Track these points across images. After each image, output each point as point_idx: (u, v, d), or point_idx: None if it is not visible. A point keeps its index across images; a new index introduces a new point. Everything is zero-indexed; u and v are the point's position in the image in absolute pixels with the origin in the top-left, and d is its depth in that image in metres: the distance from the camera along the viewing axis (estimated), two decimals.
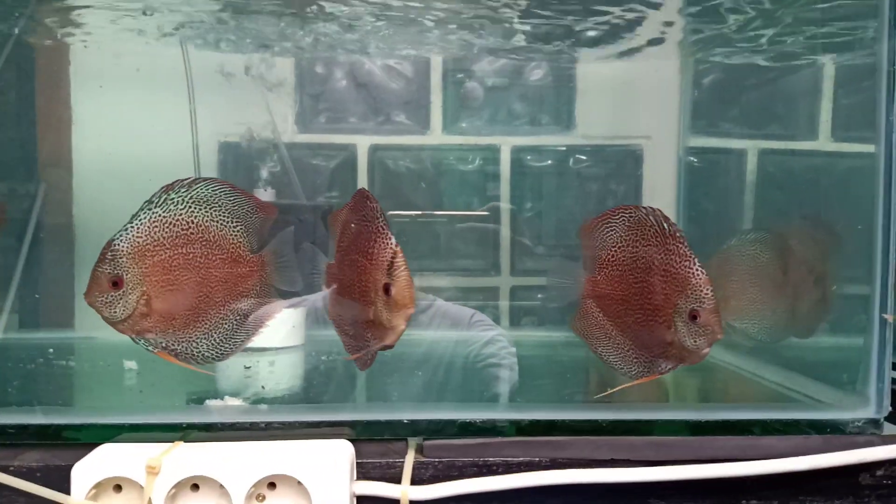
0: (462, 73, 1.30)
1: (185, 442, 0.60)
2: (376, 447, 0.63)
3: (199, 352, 0.70)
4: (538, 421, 0.66)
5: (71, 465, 0.58)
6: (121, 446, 0.59)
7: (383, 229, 0.65)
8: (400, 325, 0.64)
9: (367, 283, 0.66)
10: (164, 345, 0.68)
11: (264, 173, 1.08)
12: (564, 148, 1.34)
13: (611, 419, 0.67)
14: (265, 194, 1.04)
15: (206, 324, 0.69)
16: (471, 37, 1.20)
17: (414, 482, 0.61)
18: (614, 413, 0.70)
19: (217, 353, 0.70)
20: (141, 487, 0.56)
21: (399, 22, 1.12)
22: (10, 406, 0.69)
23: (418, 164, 1.31)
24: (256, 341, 0.81)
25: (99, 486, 0.56)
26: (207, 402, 0.68)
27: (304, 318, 0.96)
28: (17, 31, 1.09)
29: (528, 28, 1.15)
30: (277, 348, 0.91)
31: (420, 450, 0.63)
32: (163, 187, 0.65)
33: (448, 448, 0.63)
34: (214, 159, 1.28)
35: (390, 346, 0.66)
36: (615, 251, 0.72)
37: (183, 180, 0.66)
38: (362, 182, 1.29)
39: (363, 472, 0.61)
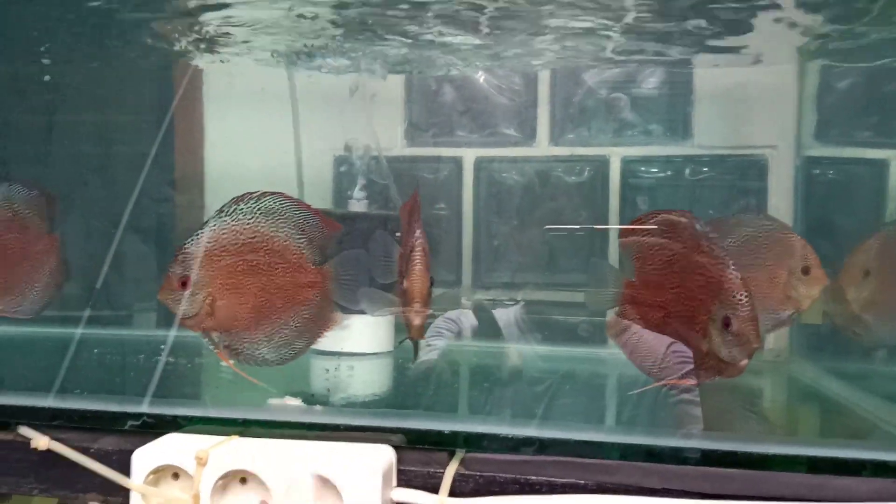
0: (571, 83, 1.28)
1: (242, 437, 0.63)
2: (420, 456, 0.63)
3: (260, 354, 0.74)
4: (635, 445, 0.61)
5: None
6: (184, 436, 0.63)
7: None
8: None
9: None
10: (226, 344, 0.73)
11: (359, 184, 1.12)
12: (680, 158, 1.27)
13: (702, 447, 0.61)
14: (357, 205, 1.08)
15: (266, 328, 0.73)
16: (580, 45, 1.18)
17: (454, 494, 0.60)
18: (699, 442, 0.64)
19: (276, 356, 0.74)
20: (191, 476, 0.60)
21: (508, 34, 1.12)
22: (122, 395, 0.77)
23: (524, 175, 1.30)
24: (346, 346, 0.84)
25: (158, 473, 0.61)
26: (269, 400, 0.71)
27: (391, 326, 0.98)
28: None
29: (639, 35, 1.11)
30: (362, 354, 0.94)
31: (462, 462, 0.62)
32: (234, 198, 0.70)
33: (490, 462, 0.61)
34: (331, 172, 1.35)
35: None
36: (650, 255, 0.67)
37: (253, 193, 0.70)
38: (468, 194, 1.30)
39: (405, 480, 0.61)
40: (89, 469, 0.65)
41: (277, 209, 0.70)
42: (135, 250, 1.26)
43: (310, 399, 0.72)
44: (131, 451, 0.64)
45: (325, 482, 0.59)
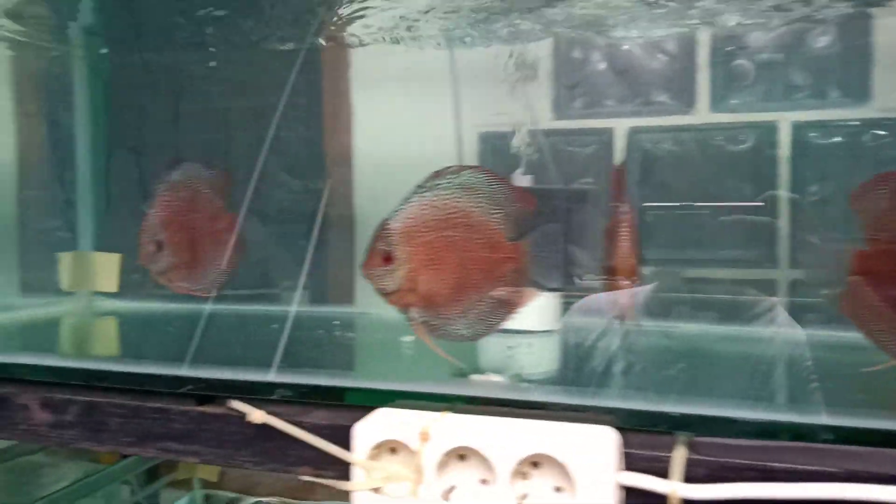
0: (733, 46, 1.20)
1: (453, 413, 0.62)
2: (642, 438, 0.60)
3: (455, 329, 0.73)
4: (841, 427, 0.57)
5: (351, 426, 0.64)
6: (396, 411, 0.63)
7: None
8: None
9: None
10: (424, 320, 0.72)
11: (522, 161, 1.09)
12: (857, 123, 1.17)
13: None
14: (523, 180, 1.06)
15: (463, 303, 0.72)
16: (742, 2, 1.10)
17: (684, 479, 0.57)
18: None
19: (471, 332, 0.73)
20: (412, 452, 0.60)
21: None
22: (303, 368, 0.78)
23: (681, 146, 1.23)
24: (518, 324, 0.82)
25: (377, 447, 0.61)
26: (471, 376, 0.70)
27: (558, 304, 0.96)
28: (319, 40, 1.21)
29: None
30: (535, 331, 0.92)
31: (691, 446, 0.58)
32: (433, 173, 0.68)
33: (723, 448, 0.57)
34: (475, 149, 1.33)
35: None
36: (886, 221, 0.61)
37: (451, 167, 0.69)
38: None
39: (628, 463, 0.59)
40: (302, 443, 0.66)
41: (476, 184, 0.68)
42: (285, 231, 1.29)
43: (520, 372, 0.70)
44: (342, 426, 0.65)
45: (551, 462, 0.57)
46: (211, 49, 1.09)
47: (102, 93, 1.15)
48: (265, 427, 0.68)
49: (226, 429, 0.70)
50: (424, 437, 0.58)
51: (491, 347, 0.84)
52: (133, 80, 1.18)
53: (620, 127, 1.26)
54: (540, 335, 0.92)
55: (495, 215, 0.69)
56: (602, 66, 1.27)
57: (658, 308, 1.11)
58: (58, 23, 1.10)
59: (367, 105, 1.37)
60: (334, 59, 1.38)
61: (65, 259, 1.12)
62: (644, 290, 1.13)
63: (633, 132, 1.26)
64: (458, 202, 0.68)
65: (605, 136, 1.27)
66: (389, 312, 1.32)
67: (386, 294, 0.70)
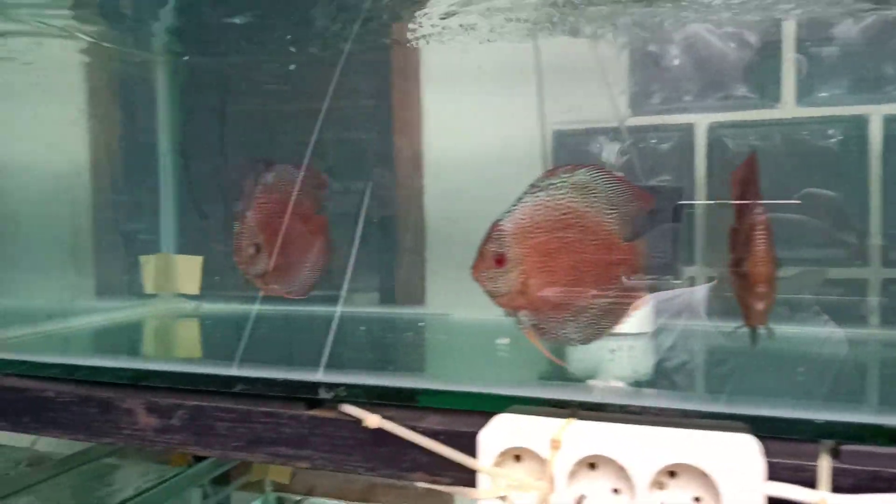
0: (819, 36, 1.16)
1: (577, 420, 0.61)
2: (782, 446, 0.57)
3: (565, 333, 0.71)
4: None
5: (470, 432, 0.63)
6: (519, 418, 0.62)
7: None
8: None
9: None
10: (533, 322, 0.71)
11: (616, 159, 1.06)
12: None
13: None
14: None
15: (574, 306, 0.70)
16: None
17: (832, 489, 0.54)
18: None
19: (582, 336, 0.71)
20: (541, 460, 0.58)
21: None
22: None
23: (766, 141, 1.20)
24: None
25: (502, 455, 0.59)
26: (589, 381, 0.68)
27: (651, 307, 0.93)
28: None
29: None
30: (633, 334, 0.89)
31: (835, 454, 0.56)
32: (546, 172, 0.67)
33: (872, 456, 0.55)
34: (549, 147, 1.31)
35: None
36: None
37: (565, 166, 0.67)
38: (700, 164, 1.22)
39: (770, 472, 0.56)
40: (416, 448, 0.65)
41: (590, 183, 0.67)
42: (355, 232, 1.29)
43: (633, 376, 0.68)
44: (459, 431, 0.63)
45: (690, 472, 0.55)
46: (291, 49, 1.09)
47: (181, 97, 1.16)
48: (377, 432, 0.67)
49: (337, 433, 0.69)
50: (556, 444, 0.56)
51: (592, 350, 0.82)
52: (211, 84, 1.19)
53: (701, 123, 1.23)
54: (638, 337, 0.90)
55: (610, 215, 0.67)
56: (681, 59, 1.24)
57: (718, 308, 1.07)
58: (139, 27, 1.11)
59: (436, 104, 1.36)
60: (403, 58, 1.37)
61: (148, 262, 1.13)
62: (702, 290, 1.10)
63: (714, 128, 1.22)
64: (572, 202, 0.67)
65: (685, 132, 1.24)
66: (463, 314, 1.31)
67: (496, 296, 0.69)
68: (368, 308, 1.36)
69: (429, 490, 1.78)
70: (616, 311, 0.70)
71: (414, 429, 0.66)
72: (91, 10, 1.10)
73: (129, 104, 1.23)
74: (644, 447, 0.55)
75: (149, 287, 1.13)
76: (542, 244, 0.67)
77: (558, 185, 0.66)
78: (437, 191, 1.37)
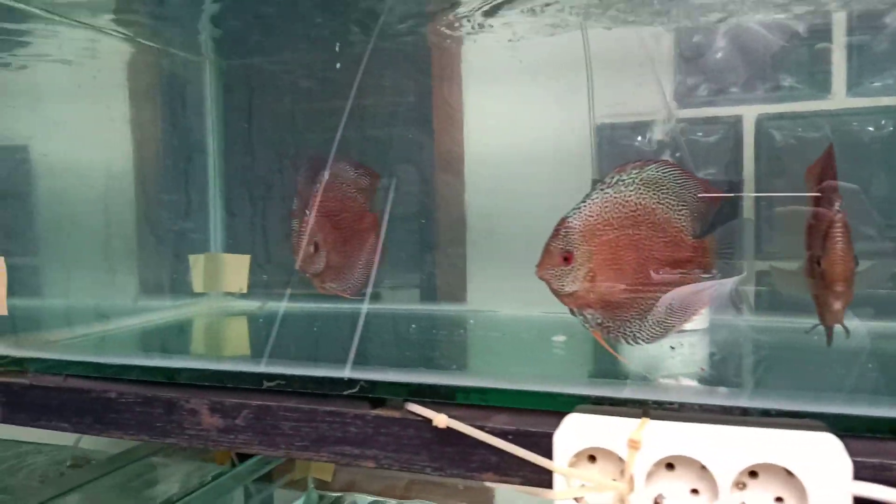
0: (871, 26, 1.13)
1: (651, 419, 0.60)
2: (863, 445, 0.56)
3: (631, 332, 0.70)
4: None
5: (538, 431, 0.62)
6: (590, 417, 0.61)
7: None
8: None
9: None
10: (599, 321, 0.70)
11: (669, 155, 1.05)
12: None
13: None
14: None
15: (641, 305, 0.69)
16: None
17: None
18: None
19: (648, 335, 0.70)
20: (618, 460, 0.57)
21: None
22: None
23: (817, 132, 1.17)
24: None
25: (577, 455, 0.59)
26: (660, 380, 0.67)
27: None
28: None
29: None
30: (691, 330, 0.88)
31: None
32: (616, 168, 0.66)
33: None
34: (591, 141, 1.30)
35: None
36: None
37: (635, 162, 0.66)
38: (749, 156, 1.20)
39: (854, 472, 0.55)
40: (484, 448, 0.65)
41: (660, 179, 0.66)
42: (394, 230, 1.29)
43: (700, 374, 0.67)
44: (527, 431, 0.63)
45: (771, 471, 0.54)
46: (336, 48, 1.09)
47: (227, 96, 1.17)
48: (443, 431, 0.67)
49: (403, 433, 0.69)
50: (635, 444, 0.56)
51: (651, 347, 0.81)
52: (255, 82, 1.20)
53: (749, 114, 1.21)
54: (696, 334, 0.88)
55: (680, 212, 0.66)
56: (728, 50, 1.22)
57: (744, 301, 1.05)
58: (185, 28, 1.12)
59: (478, 99, 1.35)
60: (444, 53, 1.37)
61: (197, 261, 1.13)
62: (730, 283, 1.08)
63: (762, 119, 1.20)
64: (641, 198, 0.66)
65: (733, 124, 1.22)
66: (508, 310, 1.30)
67: (562, 295, 0.68)
68: (411, 305, 1.36)
69: (467, 486, 1.78)
70: (685, 310, 0.69)
71: (482, 428, 0.65)
72: (139, 12, 1.11)
73: (177, 104, 1.24)
74: (727, 447, 0.54)
75: (198, 286, 1.14)
76: (610, 241, 0.66)
77: (627, 181, 0.66)
78: (478, 188, 1.37)
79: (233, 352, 0.97)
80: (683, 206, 0.66)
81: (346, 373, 0.73)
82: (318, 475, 1.51)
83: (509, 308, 1.26)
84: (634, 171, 0.65)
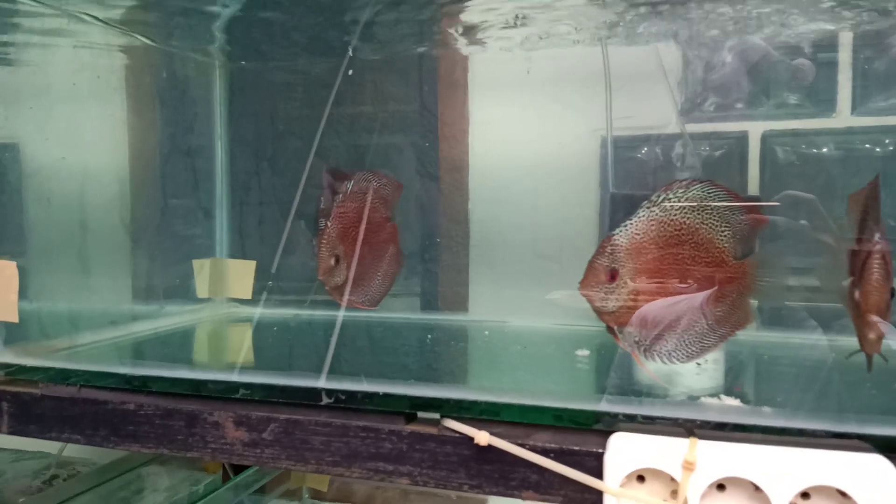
0: (876, 45, 1.16)
1: (698, 439, 0.60)
2: None
3: (667, 350, 0.70)
4: None
5: (583, 450, 0.62)
6: (638, 437, 0.61)
7: None
8: None
9: None
10: (636, 339, 0.70)
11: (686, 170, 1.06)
12: None
13: None
14: None
15: (680, 323, 0.69)
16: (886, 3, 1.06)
17: None
18: None
19: (684, 353, 0.70)
20: (669, 480, 0.57)
21: None
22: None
23: (821, 150, 1.20)
24: None
25: (627, 476, 0.59)
26: (703, 399, 0.67)
27: None
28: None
29: None
30: None
31: None
32: (663, 187, 0.66)
33: None
34: (596, 156, 1.30)
35: None
36: None
37: (681, 181, 0.66)
38: (754, 172, 1.22)
39: None
40: (525, 465, 0.64)
41: (706, 199, 0.66)
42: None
43: (736, 393, 0.68)
44: (570, 449, 0.62)
45: (825, 493, 0.54)
46: (350, 55, 1.07)
47: (234, 101, 1.14)
48: (483, 449, 0.66)
49: (440, 450, 0.68)
50: (689, 466, 0.56)
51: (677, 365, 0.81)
52: (266, 88, 1.17)
53: (754, 131, 1.23)
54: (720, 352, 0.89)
55: (723, 232, 0.66)
56: (734, 66, 1.24)
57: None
58: (196, 32, 1.09)
59: (483, 110, 1.35)
60: (450, 64, 1.36)
61: (201, 266, 1.11)
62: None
63: (767, 136, 1.22)
64: (686, 218, 0.66)
65: (739, 140, 1.23)
66: (510, 321, 1.30)
67: (604, 313, 0.68)
68: (412, 314, 1.35)
69: (460, 496, 1.76)
70: (722, 330, 0.69)
71: (523, 446, 0.65)
72: (152, 13, 1.08)
73: (189, 106, 1.21)
74: (783, 468, 0.54)
75: (202, 291, 1.11)
76: (655, 260, 0.66)
77: (673, 200, 0.66)
78: (482, 199, 1.36)
79: (283, 365, 0.94)
80: (727, 226, 0.66)
81: (410, 390, 0.72)
82: (313, 485, 1.49)
83: (516, 319, 1.25)
84: (680, 191, 0.66)
